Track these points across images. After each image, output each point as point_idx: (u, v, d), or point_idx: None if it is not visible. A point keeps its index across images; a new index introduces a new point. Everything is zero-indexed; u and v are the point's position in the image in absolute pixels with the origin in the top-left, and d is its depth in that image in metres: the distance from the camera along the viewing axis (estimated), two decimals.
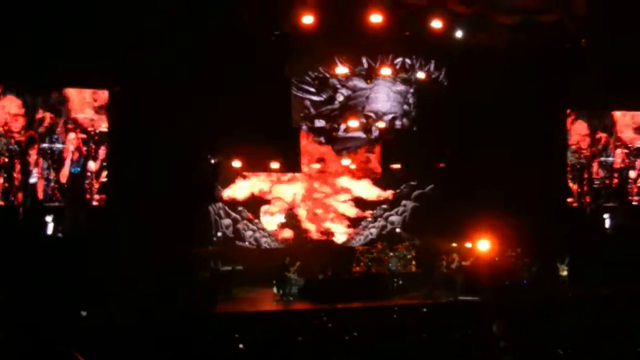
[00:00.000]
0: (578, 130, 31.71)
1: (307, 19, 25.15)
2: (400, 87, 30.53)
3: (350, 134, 30.17)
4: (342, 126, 29.96)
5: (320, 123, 29.93)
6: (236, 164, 27.54)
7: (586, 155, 31.69)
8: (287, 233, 29.77)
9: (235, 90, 26.42)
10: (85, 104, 25.91)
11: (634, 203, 32.02)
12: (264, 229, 29.43)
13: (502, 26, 27.50)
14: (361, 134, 30.24)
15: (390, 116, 30.45)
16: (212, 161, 27.34)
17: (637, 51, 27.93)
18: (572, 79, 29.78)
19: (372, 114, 30.23)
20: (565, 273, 26.94)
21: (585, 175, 31.66)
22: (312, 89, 29.70)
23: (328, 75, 29.80)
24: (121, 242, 23.88)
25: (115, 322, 20.07)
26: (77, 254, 23.42)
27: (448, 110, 29.58)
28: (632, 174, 32.14)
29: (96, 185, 25.96)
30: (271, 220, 29.59)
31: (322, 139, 30.01)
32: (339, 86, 30.02)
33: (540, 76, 29.46)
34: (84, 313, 21.21)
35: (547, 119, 30.24)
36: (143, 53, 24.70)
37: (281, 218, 29.70)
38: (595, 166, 31.83)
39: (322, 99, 29.89)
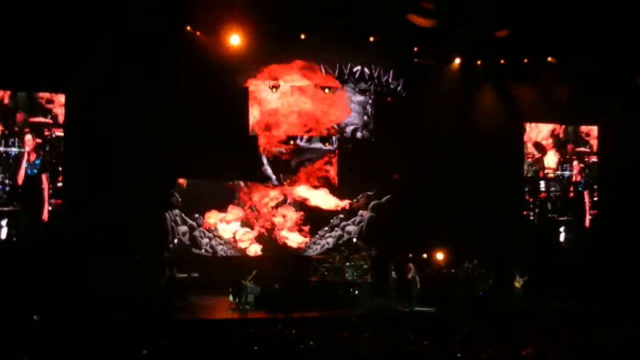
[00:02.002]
0: (536, 143, 31.98)
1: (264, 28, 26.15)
2: (360, 98, 30.53)
3: (309, 144, 30.09)
4: (304, 137, 29.90)
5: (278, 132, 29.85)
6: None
7: (543, 168, 31.91)
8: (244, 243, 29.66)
9: (193, 99, 26.39)
10: (42, 108, 25.63)
11: (588, 217, 32.27)
12: (220, 237, 29.26)
13: (460, 39, 27.80)
14: (320, 145, 30.16)
15: (351, 127, 30.44)
16: (169, 169, 27.11)
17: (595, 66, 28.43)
18: (529, 93, 30.15)
19: (333, 125, 30.22)
20: (519, 285, 27.12)
21: (542, 188, 31.87)
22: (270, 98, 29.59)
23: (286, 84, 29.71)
24: (76, 247, 23.71)
25: (69, 327, 19.83)
26: (31, 258, 23.21)
27: (406, 121, 29.72)
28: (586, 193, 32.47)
29: (50, 192, 25.65)
30: (227, 228, 29.40)
31: (283, 149, 29.86)
32: (297, 95, 29.92)
33: (498, 89, 29.80)
34: (36, 317, 20.99)
35: (504, 132, 30.41)
36: (99, 59, 24.60)
37: (237, 226, 29.53)
38: (552, 180, 32.05)
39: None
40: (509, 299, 26.55)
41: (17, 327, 19.36)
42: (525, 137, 32.01)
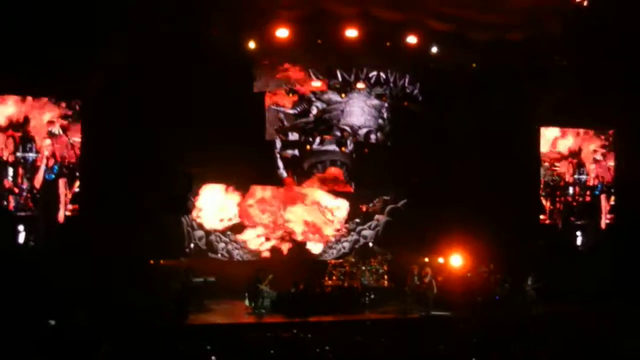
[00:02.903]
0: (552, 147, 31.87)
1: (282, 33, 26.20)
2: (375, 101, 30.56)
3: (324, 148, 30.14)
4: (317, 139, 29.96)
5: (294, 136, 29.87)
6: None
7: (559, 172, 31.81)
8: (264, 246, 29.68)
9: (209, 103, 26.47)
10: (59, 114, 25.73)
11: (606, 221, 32.14)
12: (236, 241, 29.29)
13: (475, 43, 27.71)
14: (335, 148, 30.22)
15: (365, 130, 30.45)
16: (185, 173, 27.20)
17: (610, 69, 28.29)
18: (544, 97, 30.01)
19: (347, 128, 30.24)
20: (535, 289, 26.96)
21: (558, 193, 31.75)
22: (286, 102, 29.67)
23: (302, 89, 29.79)
24: (93, 252, 23.77)
25: (85, 333, 19.89)
26: (48, 263, 23.27)
27: (422, 126, 29.78)
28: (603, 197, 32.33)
29: (69, 195, 25.74)
30: (245, 232, 29.48)
31: (296, 152, 29.92)
32: (313, 99, 29.98)
33: (513, 93, 29.68)
34: (52, 322, 21.08)
35: (519, 136, 30.34)
36: (115, 64, 24.67)
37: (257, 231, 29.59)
38: (568, 184, 31.94)
39: (296, 111, 29.85)
40: (523, 304, 26.42)
41: (33, 331, 19.45)
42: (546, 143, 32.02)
